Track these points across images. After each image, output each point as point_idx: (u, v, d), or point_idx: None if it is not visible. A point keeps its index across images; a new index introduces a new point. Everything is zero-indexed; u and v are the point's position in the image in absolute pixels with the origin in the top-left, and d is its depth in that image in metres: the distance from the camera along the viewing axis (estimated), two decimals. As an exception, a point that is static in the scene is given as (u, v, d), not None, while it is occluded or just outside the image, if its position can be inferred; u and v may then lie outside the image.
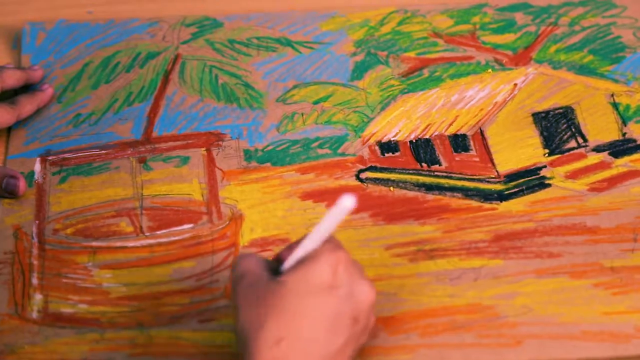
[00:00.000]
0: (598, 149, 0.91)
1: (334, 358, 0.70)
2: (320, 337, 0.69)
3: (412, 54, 1.00)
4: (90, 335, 0.81)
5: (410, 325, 0.81)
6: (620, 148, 0.91)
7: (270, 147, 0.93)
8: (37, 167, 0.93)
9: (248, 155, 0.93)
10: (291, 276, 0.70)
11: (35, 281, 0.85)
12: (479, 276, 0.83)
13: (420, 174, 0.91)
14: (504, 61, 0.99)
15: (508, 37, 1.01)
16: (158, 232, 0.87)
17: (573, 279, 0.83)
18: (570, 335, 0.79)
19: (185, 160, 0.92)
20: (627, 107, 0.94)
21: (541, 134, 0.93)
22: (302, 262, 0.71)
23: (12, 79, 0.95)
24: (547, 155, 0.91)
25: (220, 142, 0.93)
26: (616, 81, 0.96)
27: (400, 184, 0.90)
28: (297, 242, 0.73)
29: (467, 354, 0.79)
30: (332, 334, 0.70)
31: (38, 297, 0.84)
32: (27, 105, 0.95)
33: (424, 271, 0.84)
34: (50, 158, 0.93)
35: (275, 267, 0.73)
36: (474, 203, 0.88)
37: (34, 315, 0.83)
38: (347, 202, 0.68)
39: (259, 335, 0.68)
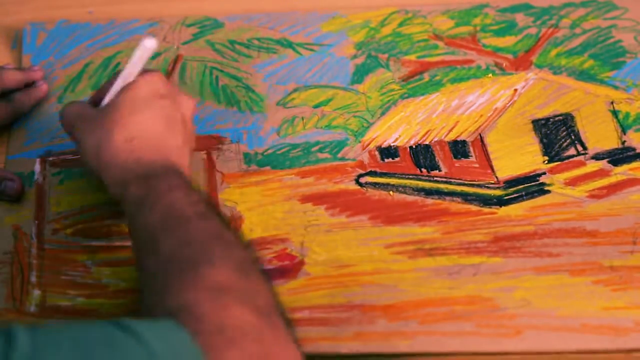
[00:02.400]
0: (597, 157, 0.91)
1: (176, 152, 0.80)
2: (163, 135, 0.79)
3: (412, 57, 0.99)
4: None
5: (410, 313, 0.82)
6: (619, 156, 0.91)
7: (270, 151, 0.93)
8: (37, 167, 0.93)
9: (248, 158, 0.93)
10: (122, 97, 0.80)
11: (34, 279, 0.85)
12: (478, 271, 0.84)
13: (420, 179, 0.91)
14: (504, 65, 0.98)
15: (509, 40, 1.00)
16: (158, 233, 0.88)
17: (573, 276, 0.83)
18: (569, 327, 0.80)
19: (185, 162, 0.92)
20: (627, 115, 0.94)
21: (541, 141, 0.92)
22: (123, 89, 0.80)
23: (12, 79, 0.95)
24: (546, 162, 0.91)
25: (220, 146, 0.93)
26: (616, 88, 0.95)
27: (400, 189, 0.90)
28: (109, 83, 0.82)
29: (466, 342, 0.80)
30: (171, 132, 0.80)
31: (36, 292, 0.84)
32: (22, 99, 0.95)
33: (423, 267, 0.85)
34: (50, 159, 0.93)
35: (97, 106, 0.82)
36: (473, 207, 0.88)
37: (32, 309, 0.83)
38: (148, 43, 0.79)
39: (112, 137, 0.78)
